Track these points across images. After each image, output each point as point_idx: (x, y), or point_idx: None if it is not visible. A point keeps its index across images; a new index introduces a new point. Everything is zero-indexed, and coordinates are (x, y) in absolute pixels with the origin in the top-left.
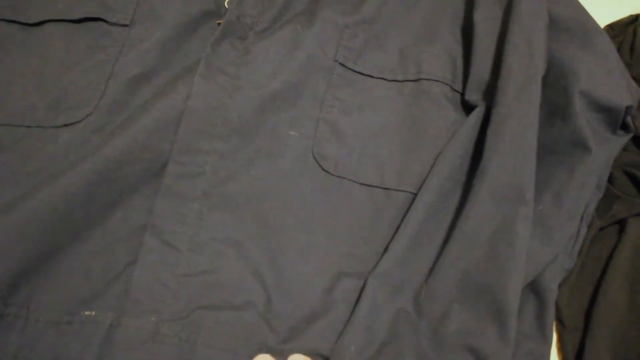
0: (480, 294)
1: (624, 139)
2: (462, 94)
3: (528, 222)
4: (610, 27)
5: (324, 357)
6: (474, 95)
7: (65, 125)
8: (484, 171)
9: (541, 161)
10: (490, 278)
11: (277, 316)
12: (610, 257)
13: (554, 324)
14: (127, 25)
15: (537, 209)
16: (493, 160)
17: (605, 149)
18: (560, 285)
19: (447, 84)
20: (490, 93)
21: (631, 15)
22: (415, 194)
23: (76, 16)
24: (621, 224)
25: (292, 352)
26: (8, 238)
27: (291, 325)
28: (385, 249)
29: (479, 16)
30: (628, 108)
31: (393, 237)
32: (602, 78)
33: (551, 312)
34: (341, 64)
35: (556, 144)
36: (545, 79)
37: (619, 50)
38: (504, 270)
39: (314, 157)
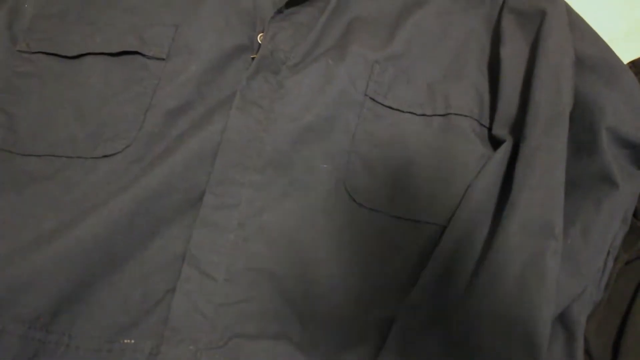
0: (510, 326)
1: None
2: (489, 129)
3: (557, 255)
4: (633, 64)
5: None
6: (502, 130)
7: (105, 156)
8: (513, 205)
9: (568, 195)
10: (521, 311)
11: (312, 345)
12: (636, 290)
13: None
14: (163, 59)
15: (566, 243)
16: (523, 194)
17: (631, 184)
18: (587, 318)
19: (475, 119)
20: (518, 128)
21: None
22: (445, 227)
23: (114, 50)
24: None
25: None
26: (51, 266)
27: (325, 353)
28: (416, 281)
29: (505, 52)
30: None
31: (423, 269)
32: (628, 114)
33: (580, 345)
34: (371, 99)
35: (583, 179)
36: (571, 114)
37: None
38: (534, 303)
39: (346, 190)
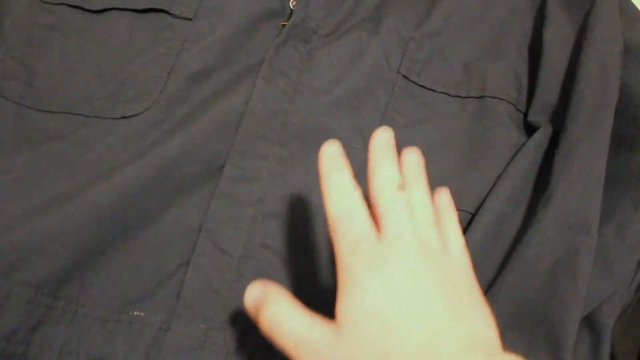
0: (536, 323)
1: None
2: (526, 115)
3: (591, 254)
4: None
5: None
6: (538, 117)
7: (124, 117)
8: (549, 198)
9: (605, 191)
10: (549, 308)
11: None
12: None
13: None
14: (190, 19)
15: (600, 241)
16: (560, 187)
17: None
18: (614, 322)
19: (512, 103)
20: (557, 116)
21: None
22: (473, 214)
23: (140, 6)
24: None
25: None
26: (62, 231)
27: None
28: None
29: (549, 35)
30: None
31: None
32: None
33: (607, 349)
34: (404, 76)
35: (622, 175)
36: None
37: None
38: (563, 301)
39: None
